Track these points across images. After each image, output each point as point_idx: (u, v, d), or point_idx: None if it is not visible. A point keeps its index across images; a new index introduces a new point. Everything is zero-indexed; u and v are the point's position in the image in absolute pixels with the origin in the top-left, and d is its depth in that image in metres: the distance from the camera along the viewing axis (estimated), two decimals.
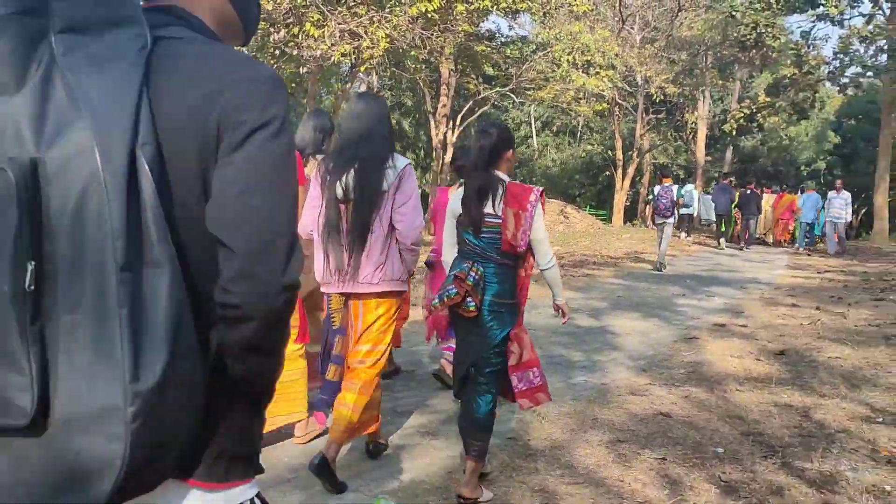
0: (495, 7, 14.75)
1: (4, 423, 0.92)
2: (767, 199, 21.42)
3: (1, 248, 0.90)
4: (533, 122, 33.60)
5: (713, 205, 20.63)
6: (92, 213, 0.90)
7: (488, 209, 3.33)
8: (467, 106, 25.43)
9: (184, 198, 1.02)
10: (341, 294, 3.74)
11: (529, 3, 15.85)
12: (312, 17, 12.29)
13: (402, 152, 27.78)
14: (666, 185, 13.37)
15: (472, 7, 13.70)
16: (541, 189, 3.37)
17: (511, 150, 3.45)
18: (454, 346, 4.91)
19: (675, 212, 13.41)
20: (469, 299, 3.25)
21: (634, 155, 26.44)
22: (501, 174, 3.40)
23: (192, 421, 1.01)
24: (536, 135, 34.93)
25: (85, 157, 0.91)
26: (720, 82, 27.54)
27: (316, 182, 3.58)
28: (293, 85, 15.28)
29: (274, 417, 3.85)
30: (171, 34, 1.08)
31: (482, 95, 25.51)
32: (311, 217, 3.60)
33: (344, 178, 3.45)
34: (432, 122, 23.86)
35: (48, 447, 0.92)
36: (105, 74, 0.95)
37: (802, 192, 21.64)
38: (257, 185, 1.03)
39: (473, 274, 3.26)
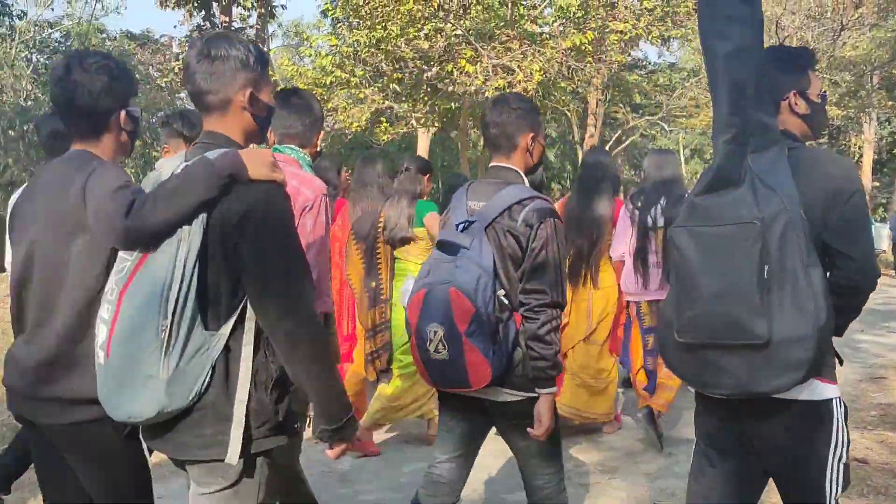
0: (649, 35, 14.54)
1: (748, 341, 1.86)
2: None
3: (752, 261, 1.87)
4: (682, 149, 32.69)
5: (888, 232, 19.37)
6: (792, 242, 1.86)
7: None
8: (615, 136, 25.08)
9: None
10: (650, 301, 4.69)
11: (683, 30, 15.51)
12: (466, 54, 12.58)
13: (548, 182, 27.76)
14: None
15: (626, 37, 13.57)
16: None
17: None
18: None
19: None
20: None
21: None
22: None
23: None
24: (685, 163, 33.91)
25: (781, 213, 1.87)
26: (889, 104, 25.69)
27: (626, 216, 4.71)
28: (444, 120, 15.60)
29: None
30: (792, 146, 2.05)
31: (631, 125, 25.03)
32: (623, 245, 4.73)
33: (652, 212, 4.57)
34: (579, 152, 23.73)
35: (768, 355, 1.85)
36: (775, 172, 1.93)
37: None
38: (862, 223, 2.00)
39: None
